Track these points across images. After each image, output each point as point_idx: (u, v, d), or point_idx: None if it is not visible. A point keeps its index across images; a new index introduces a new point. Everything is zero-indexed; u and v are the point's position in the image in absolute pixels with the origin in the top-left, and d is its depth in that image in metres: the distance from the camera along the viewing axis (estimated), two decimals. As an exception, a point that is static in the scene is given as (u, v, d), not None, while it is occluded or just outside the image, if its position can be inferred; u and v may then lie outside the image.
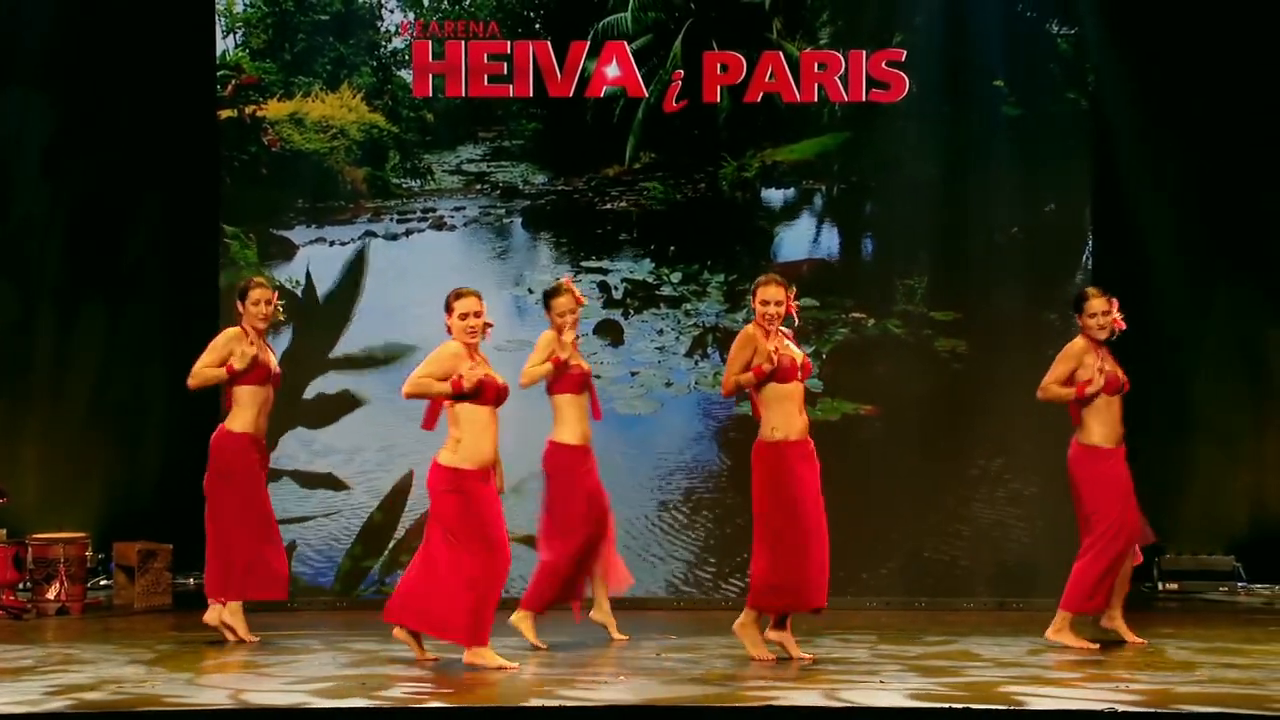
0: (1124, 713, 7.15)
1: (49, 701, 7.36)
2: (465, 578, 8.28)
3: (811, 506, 8.64)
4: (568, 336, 9.46)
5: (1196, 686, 7.83)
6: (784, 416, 8.67)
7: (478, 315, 8.43)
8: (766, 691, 7.60)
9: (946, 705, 7.20)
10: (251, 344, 9.48)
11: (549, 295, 9.57)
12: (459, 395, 8.31)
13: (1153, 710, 7.21)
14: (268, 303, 9.57)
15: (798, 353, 8.82)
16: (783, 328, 8.86)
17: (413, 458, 11.43)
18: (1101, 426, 9.27)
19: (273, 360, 9.67)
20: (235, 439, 9.45)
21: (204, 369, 9.48)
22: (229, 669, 8.44)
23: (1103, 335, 9.34)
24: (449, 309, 8.47)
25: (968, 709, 7.20)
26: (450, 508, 8.35)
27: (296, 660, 8.70)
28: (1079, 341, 9.36)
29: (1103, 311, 9.33)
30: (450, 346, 8.42)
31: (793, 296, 8.88)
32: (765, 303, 8.77)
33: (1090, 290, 9.46)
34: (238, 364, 9.39)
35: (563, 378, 9.46)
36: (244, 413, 9.49)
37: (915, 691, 7.63)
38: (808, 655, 8.75)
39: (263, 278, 10.04)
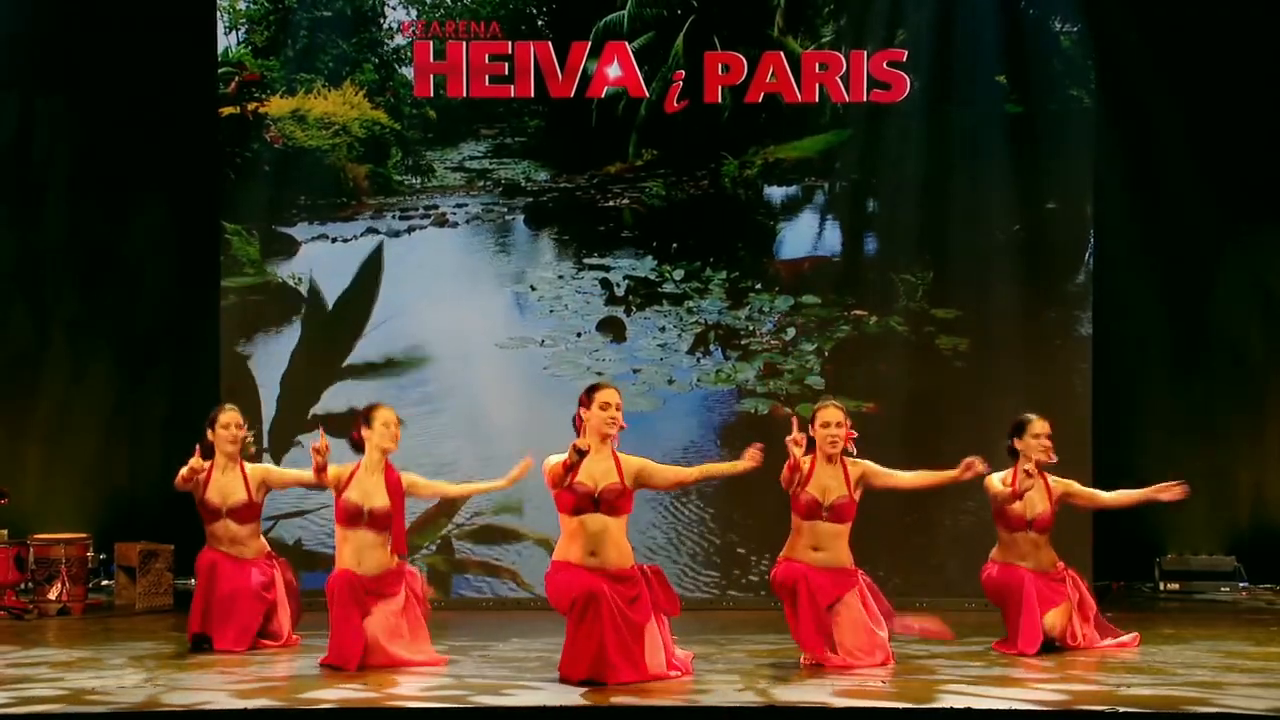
0: (1125, 713, 7.17)
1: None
2: None
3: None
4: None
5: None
6: (798, 544, 8.78)
7: (618, 408, 8.24)
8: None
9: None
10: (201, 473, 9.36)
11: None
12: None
13: (1154, 711, 7.24)
14: (239, 426, 9.49)
15: (843, 489, 8.78)
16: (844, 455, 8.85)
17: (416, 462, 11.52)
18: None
19: (235, 494, 9.47)
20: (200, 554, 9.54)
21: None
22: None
23: (1044, 458, 9.27)
24: (589, 402, 8.27)
25: (969, 709, 7.24)
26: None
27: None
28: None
29: (1046, 434, 9.29)
30: (549, 461, 8.20)
31: (849, 425, 8.84)
32: (825, 425, 8.75)
33: (1031, 415, 9.39)
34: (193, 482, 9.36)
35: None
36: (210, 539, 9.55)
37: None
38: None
39: (233, 406, 9.75)
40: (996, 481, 9.27)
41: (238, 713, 7.32)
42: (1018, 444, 9.31)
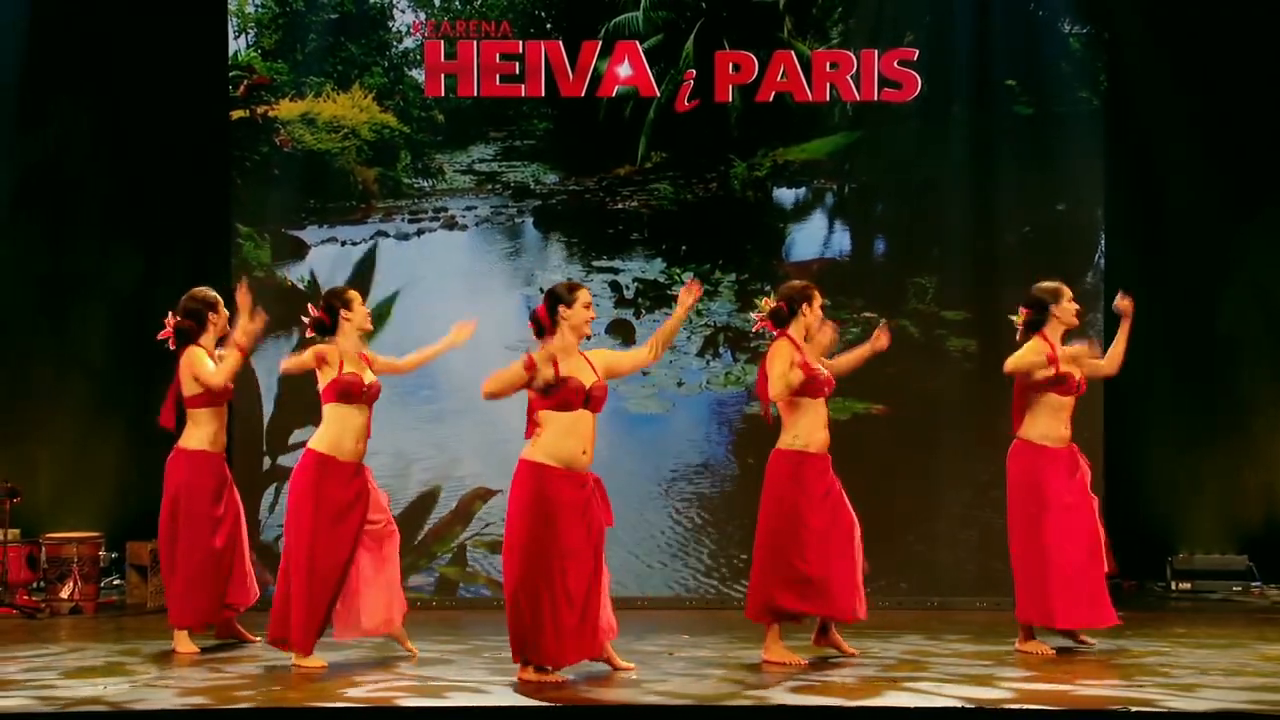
0: (1138, 712, 7.18)
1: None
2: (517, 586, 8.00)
3: (818, 517, 8.70)
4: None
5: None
6: (808, 428, 8.80)
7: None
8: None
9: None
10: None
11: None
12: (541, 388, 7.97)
13: (1158, 710, 7.25)
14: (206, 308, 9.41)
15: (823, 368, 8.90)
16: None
17: (425, 461, 11.60)
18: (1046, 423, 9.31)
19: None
20: (191, 457, 9.29)
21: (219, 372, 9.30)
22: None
23: (1074, 324, 9.35)
24: (571, 301, 8.13)
25: (980, 708, 7.24)
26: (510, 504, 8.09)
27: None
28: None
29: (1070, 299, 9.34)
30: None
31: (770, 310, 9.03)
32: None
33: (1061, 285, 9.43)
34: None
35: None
36: (198, 430, 9.34)
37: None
38: (854, 650, 9.02)
39: (205, 287, 9.61)
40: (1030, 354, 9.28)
41: (252, 712, 7.33)
42: (1054, 311, 9.36)
